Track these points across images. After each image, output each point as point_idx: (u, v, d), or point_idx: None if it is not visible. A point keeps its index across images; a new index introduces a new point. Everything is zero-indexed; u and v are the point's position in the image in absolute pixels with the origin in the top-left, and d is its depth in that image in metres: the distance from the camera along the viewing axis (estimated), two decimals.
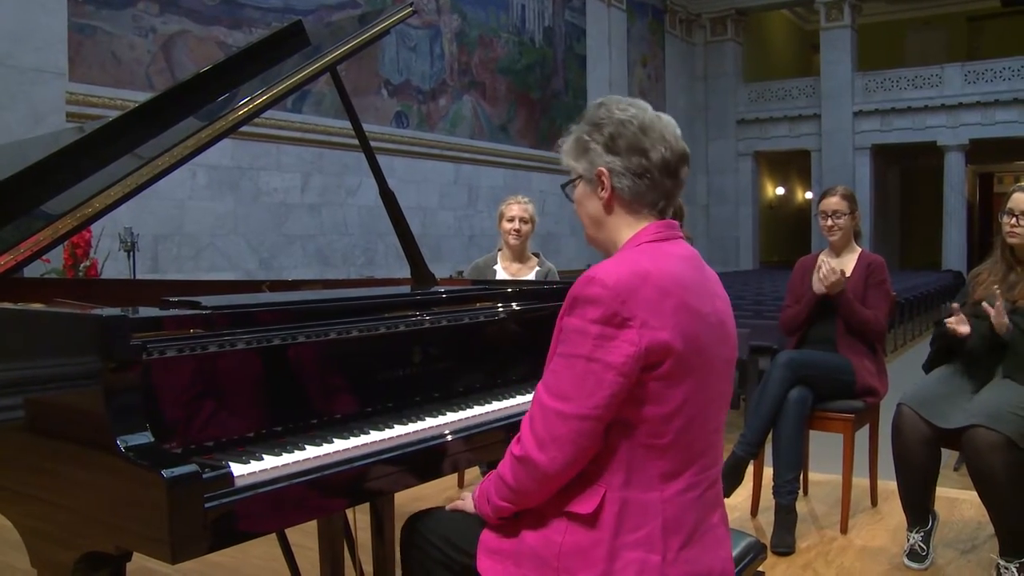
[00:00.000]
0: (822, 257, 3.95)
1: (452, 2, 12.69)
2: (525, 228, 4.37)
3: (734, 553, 1.82)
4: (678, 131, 1.74)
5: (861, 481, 4.08)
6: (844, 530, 3.78)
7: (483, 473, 4.00)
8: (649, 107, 1.74)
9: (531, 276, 4.40)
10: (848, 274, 3.86)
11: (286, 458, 1.64)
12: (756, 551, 2.01)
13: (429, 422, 1.97)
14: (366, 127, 2.76)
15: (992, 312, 3.18)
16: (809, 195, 22.54)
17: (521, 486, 1.65)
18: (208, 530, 1.45)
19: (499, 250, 4.52)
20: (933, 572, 3.35)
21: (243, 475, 1.55)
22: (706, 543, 1.66)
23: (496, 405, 2.16)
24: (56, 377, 1.63)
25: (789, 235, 23.14)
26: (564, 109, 15.43)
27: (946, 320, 3.33)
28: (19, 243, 1.95)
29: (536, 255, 4.54)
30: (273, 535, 2.17)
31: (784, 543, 3.55)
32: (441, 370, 2.20)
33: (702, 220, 20.48)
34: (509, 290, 2.60)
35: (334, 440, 1.76)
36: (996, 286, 3.33)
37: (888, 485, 3.84)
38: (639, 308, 1.54)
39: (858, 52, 19.83)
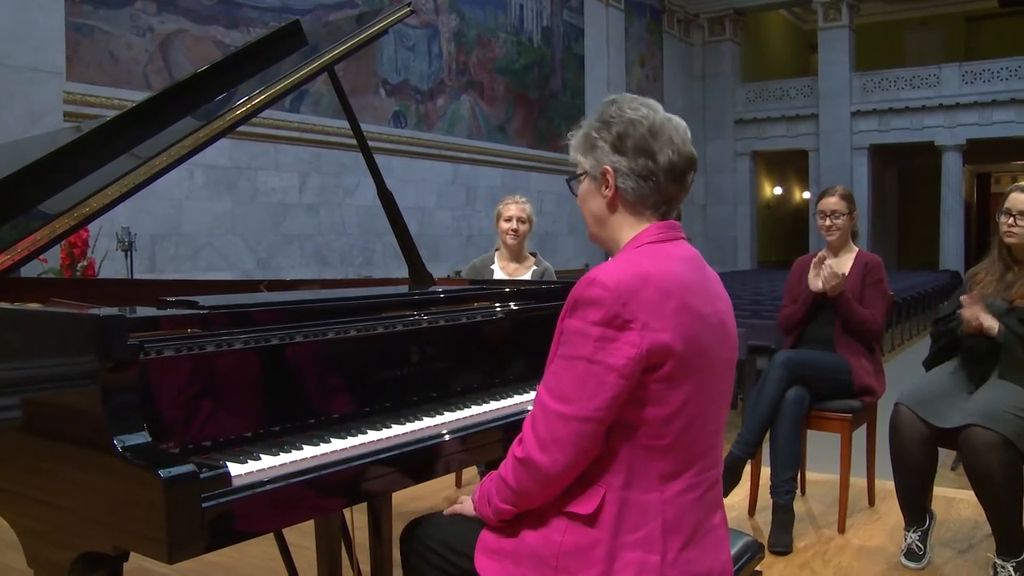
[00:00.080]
0: (822, 254, 3.95)
1: (450, 2, 12.69)
2: (523, 228, 4.37)
3: (732, 553, 1.82)
4: (688, 135, 1.72)
5: (858, 481, 4.09)
6: (841, 529, 3.79)
7: (481, 473, 4.01)
8: (660, 108, 1.72)
9: (528, 276, 4.40)
10: (845, 274, 3.86)
11: (284, 458, 1.64)
12: (753, 551, 2.01)
13: (427, 422, 1.97)
14: (364, 127, 2.76)
15: (965, 313, 3.21)
16: (807, 195, 22.57)
17: (523, 487, 1.64)
18: (205, 530, 1.45)
19: (496, 250, 4.52)
20: (930, 571, 3.36)
21: (240, 475, 1.55)
22: (706, 544, 1.66)
23: (494, 405, 2.16)
24: (53, 377, 1.62)
25: (787, 235, 23.16)
26: (562, 109, 15.43)
27: (960, 312, 3.28)
28: (16, 243, 1.95)
29: (533, 255, 4.54)
30: (271, 535, 2.17)
31: (781, 543, 3.55)
32: (439, 370, 2.20)
33: (700, 220, 20.48)
34: (506, 290, 2.60)
35: (332, 440, 1.76)
36: (989, 288, 3.34)
37: (885, 485, 3.84)
38: (640, 310, 1.54)
39: (856, 52, 19.85)
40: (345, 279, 3.71)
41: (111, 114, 2.53)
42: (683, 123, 1.73)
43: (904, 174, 23.77)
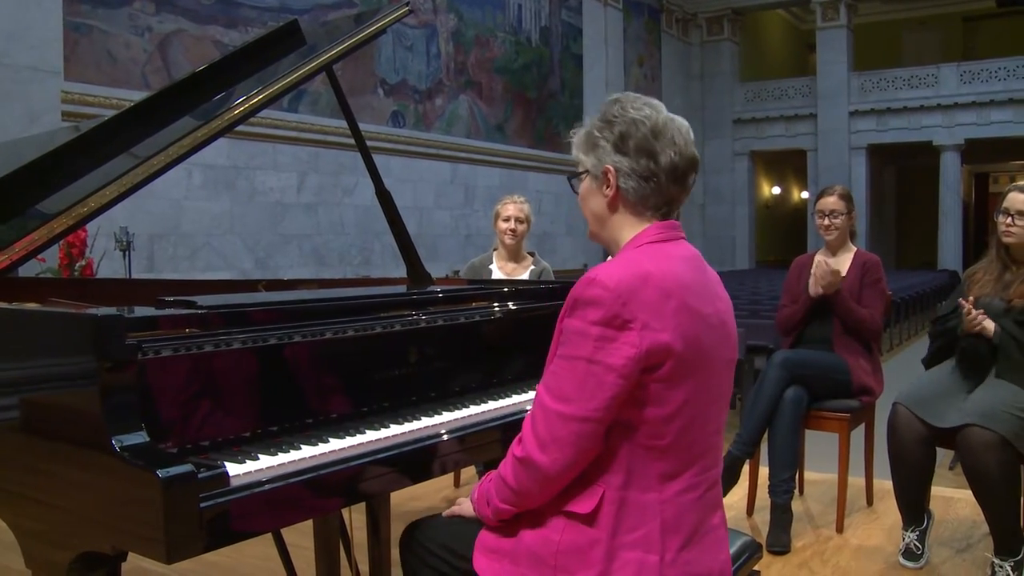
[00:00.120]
0: (818, 259, 3.96)
1: (448, 2, 12.69)
2: (521, 228, 4.37)
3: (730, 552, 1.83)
4: (690, 135, 1.72)
5: (857, 480, 4.09)
6: (840, 529, 3.79)
7: (479, 473, 4.01)
8: (663, 107, 1.72)
9: (526, 275, 4.40)
10: (844, 273, 3.86)
11: (282, 458, 1.64)
12: (752, 550, 2.01)
13: (425, 422, 1.97)
14: (362, 127, 2.76)
15: (964, 316, 3.22)
16: (805, 195, 22.58)
17: (522, 487, 1.64)
18: (204, 530, 1.45)
19: (494, 249, 4.52)
20: (928, 571, 3.36)
21: (239, 475, 1.55)
22: (706, 544, 1.66)
23: (492, 405, 2.16)
24: (51, 377, 1.62)
25: (785, 235, 23.17)
26: (560, 109, 15.44)
27: (964, 315, 3.28)
28: (14, 242, 1.95)
29: (531, 254, 4.54)
30: (269, 535, 2.17)
31: (780, 542, 3.55)
32: (437, 370, 2.20)
33: (698, 220, 20.49)
34: (505, 290, 2.60)
35: (330, 440, 1.76)
36: (986, 287, 3.34)
37: (884, 484, 3.84)
38: (640, 310, 1.54)
39: (854, 52, 19.86)
40: (343, 279, 3.71)
41: (109, 114, 2.53)
42: (685, 123, 1.72)
43: (902, 174, 23.79)
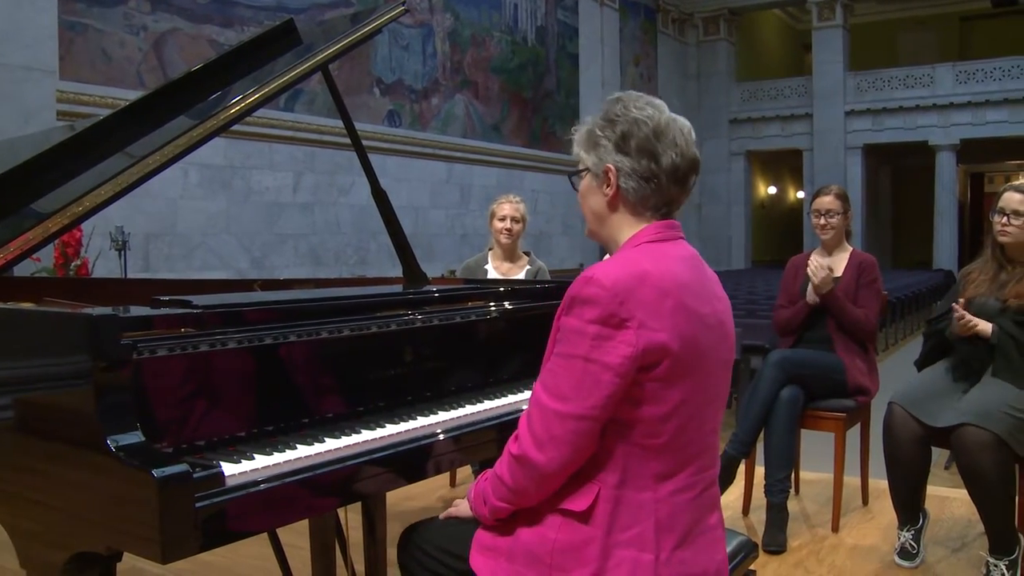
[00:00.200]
0: (813, 259, 3.96)
1: (445, 1, 12.68)
2: (516, 227, 4.37)
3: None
4: (692, 136, 1.72)
5: (852, 480, 4.09)
6: (835, 528, 3.79)
7: (475, 473, 4.01)
8: (666, 107, 1.72)
9: (522, 275, 4.40)
10: (839, 273, 3.87)
11: (277, 457, 1.64)
12: (748, 550, 2.02)
13: (421, 421, 1.97)
14: (358, 126, 2.76)
15: (955, 320, 3.22)
16: (801, 194, 22.60)
17: (519, 485, 1.64)
18: (199, 530, 1.45)
19: (490, 249, 4.52)
20: (923, 570, 3.36)
21: (234, 475, 1.54)
22: (701, 544, 1.66)
23: (488, 404, 2.16)
24: (46, 377, 1.62)
25: (781, 234, 23.20)
26: (556, 108, 15.44)
27: (956, 319, 3.28)
28: (9, 242, 1.94)
29: (527, 254, 4.54)
30: (265, 534, 2.17)
31: (775, 542, 3.55)
32: (432, 369, 2.20)
33: (694, 219, 20.50)
34: (500, 289, 2.60)
35: (325, 439, 1.76)
36: (977, 287, 3.35)
37: (879, 484, 3.85)
38: (637, 309, 1.54)
39: (850, 52, 19.89)
40: (339, 278, 3.71)
41: (104, 113, 2.52)
42: (687, 124, 1.72)
43: (898, 174, 23.82)
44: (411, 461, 1.88)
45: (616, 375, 1.54)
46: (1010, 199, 3.32)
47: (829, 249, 4.01)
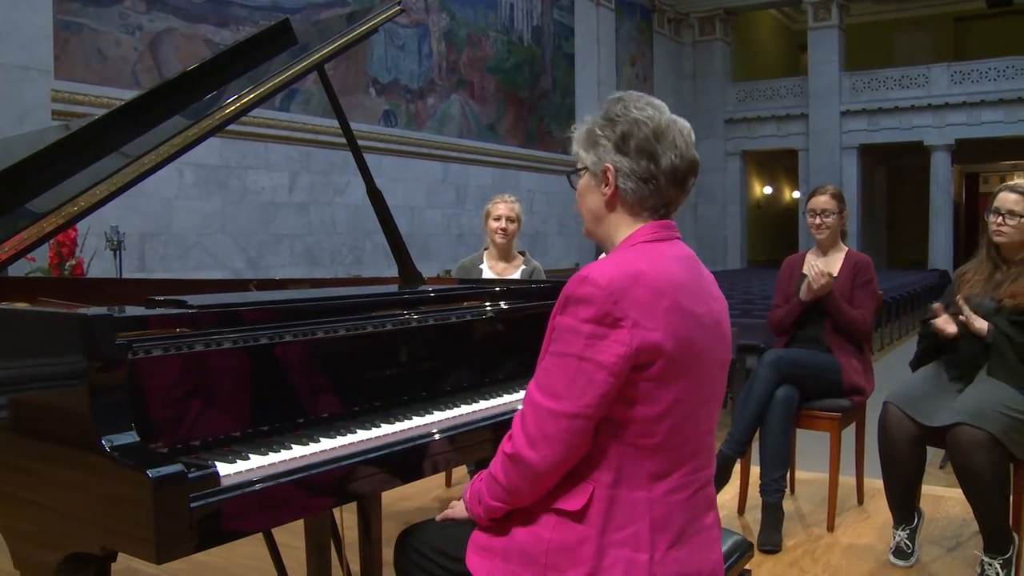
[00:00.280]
0: (809, 260, 3.97)
1: (440, 1, 12.68)
2: (511, 227, 4.37)
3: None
4: (692, 137, 1.71)
5: (847, 479, 4.10)
6: (831, 528, 3.80)
7: (470, 473, 4.00)
8: (666, 108, 1.71)
9: (517, 275, 4.40)
10: (835, 274, 3.87)
11: (272, 457, 1.64)
12: (743, 549, 2.02)
13: (416, 421, 1.97)
14: (354, 126, 2.75)
15: (965, 318, 3.22)
16: (796, 194, 22.63)
17: (513, 484, 1.64)
18: (194, 530, 1.45)
19: (485, 249, 4.52)
20: (918, 569, 3.37)
21: (229, 475, 1.54)
22: (697, 544, 1.66)
23: (483, 404, 2.16)
24: (41, 377, 1.62)
25: (776, 234, 23.22)
26: (552, 108, 15.44)
27: (932, 321, 3.36)
28: (3, 242, 1.94)
29: (522, 254, 4.54)
30: (260, 534, 2.17)
31: (771, 541, 3.56)
32: (428, 369, 2.20)
33: (690, 219, 20.52)
34: (496, 289, 2.60)
35: (321, 439, 1.76)
36: (976, 287, 3.35)
37: (874, 483, 3.85)
38: (631, 308, 1.54)
39: (846, 52, 19.92)
40: (335, 278, 3.71)
41: (100, 112, 2.52)
42: (687, 125, 1.72)
43: (893, 173, 23.86)
44: (406, 461, 1.88)
45: (610, 374, 1.54)
46: (1005, 199, 3.32)
47: (824, 249, 4.01)
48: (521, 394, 2.19)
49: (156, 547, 1.41)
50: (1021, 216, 3.28)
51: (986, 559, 3.13)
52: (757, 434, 3.73)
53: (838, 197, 3.97)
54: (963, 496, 3.17)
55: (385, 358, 2.08)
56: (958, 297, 3.34)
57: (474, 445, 2.06)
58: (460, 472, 4.47)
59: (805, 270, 3.91)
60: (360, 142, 2.71)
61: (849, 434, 3.95)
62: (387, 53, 11.68)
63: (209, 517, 1.47)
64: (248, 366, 1.79)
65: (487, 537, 1.71)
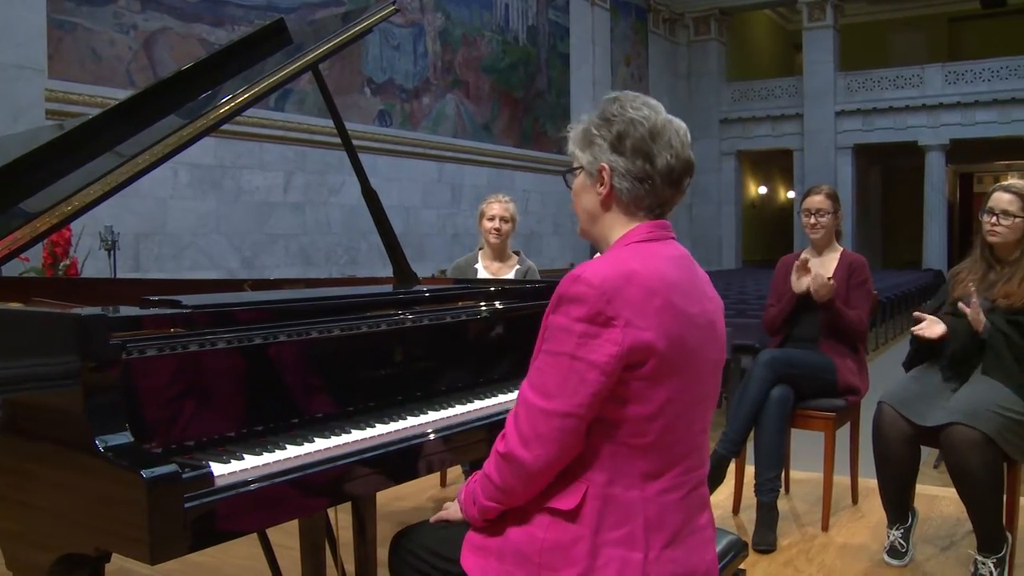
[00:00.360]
0: (804, 255, 3.97)
1: (435, 1, 12.67)
2: (506, 227, 4.37)
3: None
4: (688, 137, 1.72)
5: (842, 479, 4.11)
6: (825, 527, 3.80)
7: (465, 473, 4.01)
8: (662, 108, 1.71)
9: (511, 275, 4.40)
10: (830, 274, 3.87)
11: (267, 458, 1.63)
12: (737, 549, 2.02)
13: (411, 421, 1.97)
14: (349, 126, 2.75)
15: (969, 311, 3.21)
16: (791, 194, 22.67)
17: (506, 484, 1.65)
18: (188, 530, 1.44)
19: (480, 249, 4.52)
20: (913, 568, 3.38)
21: (224, 475, 1.54)
22: (691, 544, 1.66)
23: (478, 404, 2.16)
24: (34, 377, 1.61)
25: (771, 234, 23.25)
26: (547, 108, 15.44)
27: (915, 332, 3.36)
28: None
29: (516, 254, 4.54)
30: (254, 535, 2.17)
31: (766, 541, 3.56)
32: (423, 369, 2.20)
33: (685, 219, 20.53)
34: (490, 289, 2.60)
35: (315, 439, 1.76)
36: (972, 285, 3.35)
37: (869, 483, 3.86)
38: (624, 308, 1.54)
39: (840, 52, 19.96)
40: (329, 278, 3.70)
41: (94, 112, 2.51)
42: (683, 125, 1.72)
43: (888, 174, 23.91)
44: (401, 461, 1.88)
45: (602, 373, 1.54)
46: (999, 199, 3.33)
47: (819, 249, 4.02)
48: (515, 394, 2.19)
49: (150, 548, 1.41)
50: (1015, 216, 3.29)
51: (980, 558, 3.13)
52: (752, 434, 3.73)
53: (833, 197, 3.97)
54: (957, 495, 3.18)
55: (380, 358, 2.08)
56: (970, 296, 3.33)
57: (469, 445, 2.06)
58: (455, 472, 4.47)
59: (796, 269, 3.88)
60: (355, 142, 2.71)
61: (844, 434, 3.96)
62: (382, 53, 11.67)
63: (203, 517, 1.47)
64: (243, 366, 1.79)
65: (482, 536, 1.71)
